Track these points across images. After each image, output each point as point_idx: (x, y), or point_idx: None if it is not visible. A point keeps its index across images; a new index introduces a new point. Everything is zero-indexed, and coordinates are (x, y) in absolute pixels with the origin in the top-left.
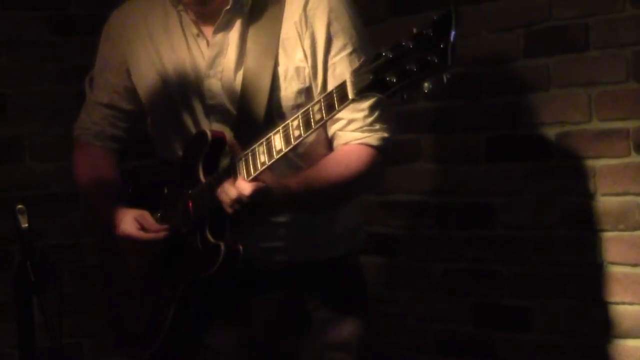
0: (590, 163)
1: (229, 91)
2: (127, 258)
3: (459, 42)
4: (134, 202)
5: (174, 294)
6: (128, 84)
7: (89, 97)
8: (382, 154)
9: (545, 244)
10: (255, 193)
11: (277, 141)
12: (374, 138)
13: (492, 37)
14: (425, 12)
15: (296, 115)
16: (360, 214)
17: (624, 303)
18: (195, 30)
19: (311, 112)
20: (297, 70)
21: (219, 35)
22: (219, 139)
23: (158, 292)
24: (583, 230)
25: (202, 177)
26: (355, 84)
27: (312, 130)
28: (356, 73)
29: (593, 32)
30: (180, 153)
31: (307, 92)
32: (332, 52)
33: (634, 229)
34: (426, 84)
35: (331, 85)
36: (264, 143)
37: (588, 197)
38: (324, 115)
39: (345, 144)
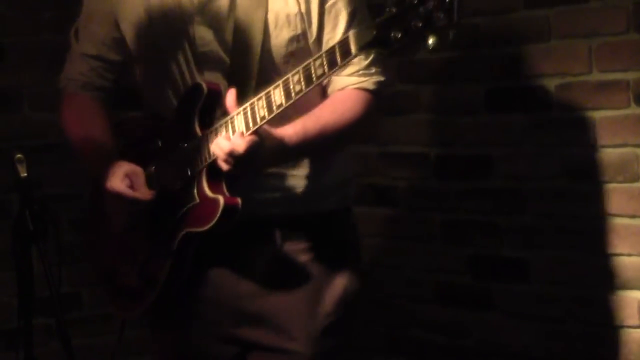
0: (590, 114)
1: (221, 39)
2: (116, 212)
3: None
4: (126, 155)
5: (170, 249)
6: (116, 34)
7: (74, 48)
8: (378, 97)
9: (544, 195)
10: (250, 147)
11: (277, 96)
12: (370, 82)
13: None
14: None
15: (297, 69)
16: (351, 166)
17: (622, 254)
18: None
19: (312, 67)
20: (288, 17)
21: None
22: (214, 91)
23: (152, 247)
24: (582, 181)
25: (198, 130)
26: (358, 39)
27: (313, 85)
28: (359, 28)
29: None
30: (173, 103)
31: (298, 39)
32: None
33: (633, 180)
34: (431, 41)
35: (328, 29)
36: (264, 97)
37: (587, 148)
38: (326, 70)
39: (341, 89)
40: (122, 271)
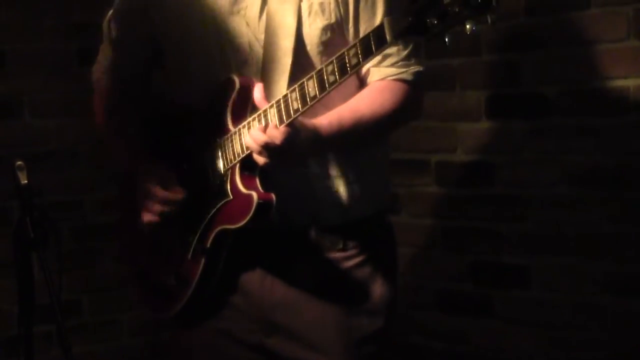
0: (591, 121)
1: (255, 29)
2: (149, 211)
3: None
4: (156, 150)
5: (203, 247)
6: (148, 25)
7: (107, 39)
8: (418, 88)
9: (544, 202)
10: (286, 139)
11: (311, 87)
12: (409, 73)
13: None
14: None
15: (330, 60)
16: (386, 168)
17: (623, 261)
18: None
19: (347, 57)
20: (322, 5)
21: None
22: (247, 85)
23: (185, 244)
24: (583, 188)
25: (230, 125)
26: (393, 26)
27: (347, 75)
28: (394, 15)
29: None
30: (204, 97)
31: (333, 29)
32: None
33: (634, 187)
34: (469, 26)
35: (365, 18)
36: (297, 89)
37: (588, 155)
38: (360, 59)
39: (380, 79)
40: (156, 270)
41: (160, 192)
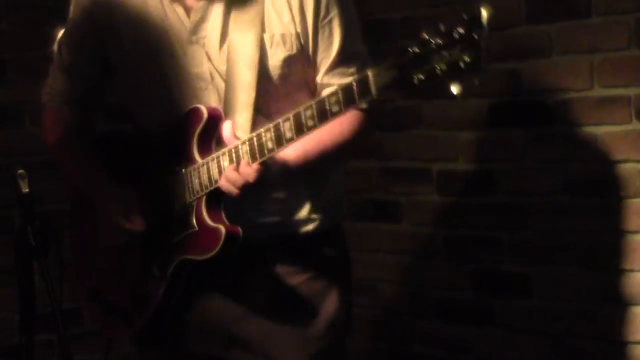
0: (592, 130)
1: (216, 59)
2: (108, 235)
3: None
4: (115, 172)
5: (164, 274)
6: (102, 49)
7: (56, 61)
8: (373, 116)
9: (545, 210)
10: (258, 177)
11: (287, 129)
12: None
13: (494, 3)
14: None
15: (309, 104)
16: (341, 184)
17: (625, 270)
18: None
19: (327, 103)
20: (284, 37)
21: (202, 2)
22: (215, 117)
23: (145, 270)
24: (584, 197)
25: (197, 155)
26: (378, 79)
27: (327, 121)
28: (379, 67)
29: None
30: (164, 122)
31: (294, 59)
32: (322, 13)
33: (635, 196)
34: (454, 87)
35: (322, 48)
36: (272, 130)
37: (589, 164)
38: (342, 107)
39: None
40: (112, 290)
41: (122, 221)
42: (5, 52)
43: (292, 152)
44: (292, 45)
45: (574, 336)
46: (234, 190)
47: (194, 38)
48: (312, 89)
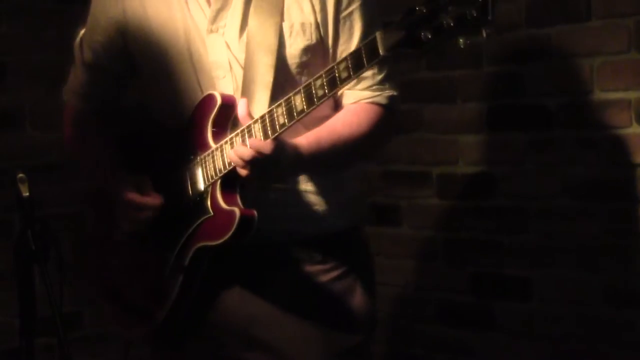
0: (592, 133)
1: (235, 48)
2: (124, 222)
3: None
4: (133, 166)
5: (181, 264)
6: (121, 44)
7: (77, 59)
8: (392, 113)
9: (546, 214)
10: (275, 150)
11: (299, 102)
12: (383, 97)
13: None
14: None
15: (319, 74)
16: (360, 184)
17: (624, 273)
18: None
19: (336, 71)
20: (303, 26)
21: None
22: (228, 102)
23: (162, 261)
24: (584, 200)
25: (211, 141)
26: (385, 39)
27: (337, 88)
28: (386, 29)
29: (595, 2)
30: (182, 113)
31: (313, 49)
32: (344, 4)
33: (635, 199)
34: (462, 40)
35: (343, 40)
36: (283, 104)
37: (589, 167)
38: (351, 73)
39: (355, 102)
40: (129, 288)
41: (137, 197)
42: (5, 55)
43: (304, 140)
44: (311, 35)
45: (575, 340)
46: (241, 163)
47: (213, 27)
48: None
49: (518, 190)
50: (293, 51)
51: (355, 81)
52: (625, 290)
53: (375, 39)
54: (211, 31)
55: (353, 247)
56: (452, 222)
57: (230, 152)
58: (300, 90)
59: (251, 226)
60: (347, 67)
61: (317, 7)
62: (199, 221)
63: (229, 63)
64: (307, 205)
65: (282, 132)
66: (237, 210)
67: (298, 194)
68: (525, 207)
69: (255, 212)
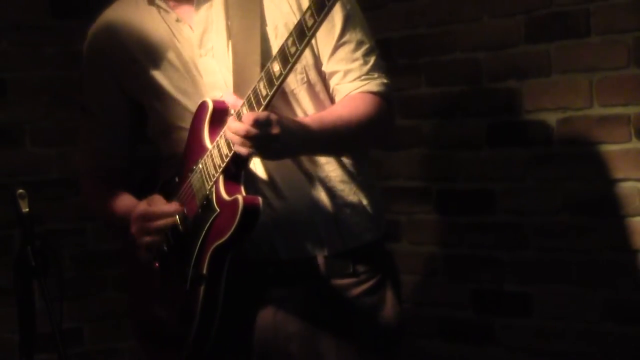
0: (591, 149)
1: (224, 64)
2: (146, 232)
3: (460, 27)
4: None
5: (200, 273)
6: (122, 96)
7: (84, 124)
8: (386, 100)
9: (546, 230)
10: (263, 121)
11: (276, 67)
12: (374, 84)
13: (494, 22)
14: None
15: (290, 32)
16: (381, 195)
17: (625, 289)
18: (174, 16)
19: (303, 20)
20: (287, 25)
21: (201, 11)
22: (220, 106)
23: (183, 277)
24: (584, 216)
25: (208, 143)
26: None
27: (307, 38)
28: None
29: (594, 18)
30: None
31: None
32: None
33: (635, 215)
34: None
35: (323, 34)
36: (263, 76)
37: (589, 183)
38: (316, 17)
39: (346, 95)
40: (161, 317)
41: (150, 208)
42: (5, 72)
43: (307, 118)
44: None
45: (575, 356)
46: (239, 140)
47: (202, 51)
48: (325, 81)
49: (518, 206)
50: None
51: (343, 74)
52: (626, 306)
53: (310, 6)
54: (201, 55)
55: (381, 258)
56: (452, 238)
57: (228, 133)
58: (276, 56)
59: (256, 214)
60: (312, 15)
61: (294, 7)
62: (209, 223)
63: (222, 80)
64: (336, 218)
65: (269, 101)
66: (239, 197)
67: (328, 207)
68: (525, 223)
69: (259, 199)
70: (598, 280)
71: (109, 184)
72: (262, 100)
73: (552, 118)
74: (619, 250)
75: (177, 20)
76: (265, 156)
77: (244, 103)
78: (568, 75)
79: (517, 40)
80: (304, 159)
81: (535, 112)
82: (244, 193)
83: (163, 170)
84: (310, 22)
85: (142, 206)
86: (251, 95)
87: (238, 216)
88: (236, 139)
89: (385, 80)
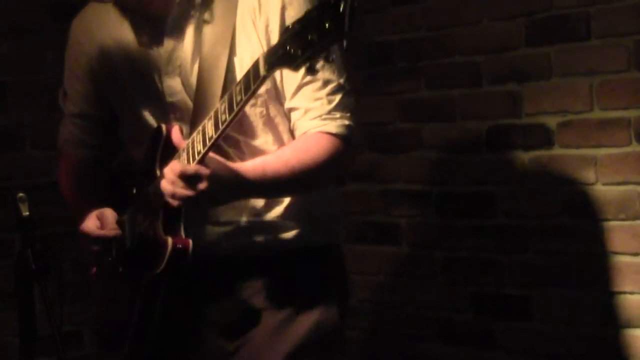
0: (591, 152)
1: (188, 85)
2: (91, 255)
3: (460, 30)
4: (107, 205)
5: (138, 292)
6: (95, 90)
7: (63, 110)
8: (344, 141)
9: (545, 233)
10: (190, 174)
11: (209, 128)
12: (333, 125)
13: (494, 25)
14: (425, 1)
15: (224, 98)
16: (335, 202)
17: (625, 292)
18: (148, 29)
19: (234, 94)
20: (252, 58)
21: (174, 29)
22: (173, 136)
23: (126, 292)
24: (584, 219)
25: (157, 172)
26: (266, 59)
27: (234, 113)
28: (269, 49)
29: (594, 21)
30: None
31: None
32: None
33: (635, 218)
34: (332, 54)
35: (286, 72)
36: (200, 131)
37: (589, 186)
38: (243, 96)
39: (304, 133)
40: (108, 319)
41: (95, 230)
42: (5, 75)
43: (250, 163)
44: None
45: (574, 359)
46: (172, 193)
47: (170, 68)
48: (286, 115)
49: (518, 209)
50: None
51: (303, 112)
52: (626, 310)
53: (258, 60)
54: (167, 73)
55: (308, 267)
56: (452, 241)
57: (162, 183)
58: (211, 115)
59: (185, 256)
60: (240, 90)
61: (263, 40)
62: (147, 250)
63: (184, 102)
64: (265, 225)
65: (200, 159)
66: (169, 240)
67: (254, 215)
68: (525, 226)
69: (190, 242)
70: (598, 283)
71: (77, 169)
72: (196, 155)
73: (552, 121)
74: (619, 254)
75: (151, 34)
76: (193, 208)
77: (184, 149)
78: (568, 79)
79: (517, 44)
80: None
81: (535, 115)
82: (181, 232)
83: (121, 170)
84: (238, 98)
85: (91, 223)
86: (189, 144)
87: (166, 259)
88: (167, 190)
89: (346, 122)
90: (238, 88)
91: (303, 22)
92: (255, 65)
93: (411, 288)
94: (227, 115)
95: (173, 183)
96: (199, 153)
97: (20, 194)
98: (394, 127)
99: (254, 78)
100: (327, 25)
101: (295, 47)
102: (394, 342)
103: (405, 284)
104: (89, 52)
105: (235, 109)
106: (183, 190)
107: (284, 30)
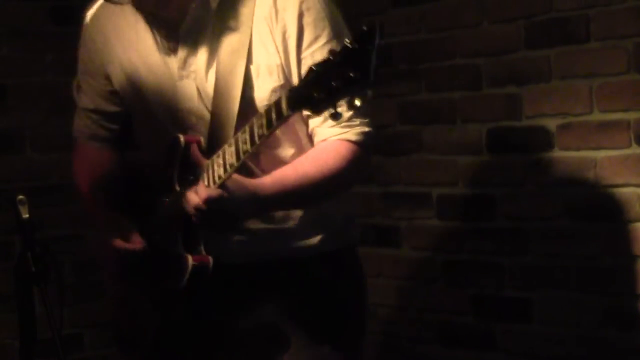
0: (591, 154)
1: (203, 92)
2: (112, 264)
3: (460, 32)
4: (123, 206)
5: (157, 302)
6: (110, 87)
7: (77, 103)
8: (363, 148)
9: (545, 235)
10: (213, 200)
11: (229, 155)
12: (352, 133)
13: (494, 28)
14: (425, 3)
15: (244, 128)
16: (349, 206)
17: (625, 294)
18: (164, 32)
19: (255, 127)
20: (270, 68)
21: (190, 34)
22: (192, 144)
23: (145, 300)
24: (584, 221)
25: (176, 185)
26: (289, 99)
27: (256, 145)
28: (292, 88)
29: (594, 24)
30: (160, 154)
31: (281, 90)
32: (304, 45)
33: (635, 220)
34: (356, 100)
35: None
36: (220, 155)
37: (589, 188)
38: (265, 131)
39: (324, 140)
40: (128, 324)
41: (119, 243)
42: (5, 78)
43: (268, 179)
44: (278, 76)
45: None
46: (194, 213)
47: (184, 73)
48: (304, 120)
49: (518, 211)
50: (261, 93)
51: (322, 119)
52: (626, 312)
53: (281, 99)
54: (182, 77)
55: (325, 272)
56: (452, 243)
57: (186, 205)
58: (232, 142)
59: (205, 273)
60: (261, 125)
61: (281, 48)
62: (166, 263)
63: (199, 108)
64: (282, 231)
65: (220, 183)
66: (189, 258)
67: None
68: (525, 228)
69: (210, 260)
70: (598, 286)
71: (92, 160)
72: (217, 179)
73: (552, 124)
74: (620, 256)
75: (166, 37)
76: (215, 230)
77: (205, 168)
78: (568, 81)
79: (517, 46)
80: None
81: (535, 117)
82: (201, 249)
83: (138, 170)
84: (260, 132)
85: (112, 238)
86: (210, 165)
87: (186, 276)
88: (190, 210)
89: (365, 129)
90: (259, 122)
91: (326, 66)
92: (278, 103)
93: (411, 290)
94: (249, 146)
95: (197, 207)
96: (219, 177)
97: (20, 197)
98: (394, 130)
99: (277, 117)
100: (351, 73)
101: (318, 91)
102: (394, 344)
103: (406, 286)
104: (104, 52)
105: (257, 141)
106: (208, 214)
107: (308, 72)
